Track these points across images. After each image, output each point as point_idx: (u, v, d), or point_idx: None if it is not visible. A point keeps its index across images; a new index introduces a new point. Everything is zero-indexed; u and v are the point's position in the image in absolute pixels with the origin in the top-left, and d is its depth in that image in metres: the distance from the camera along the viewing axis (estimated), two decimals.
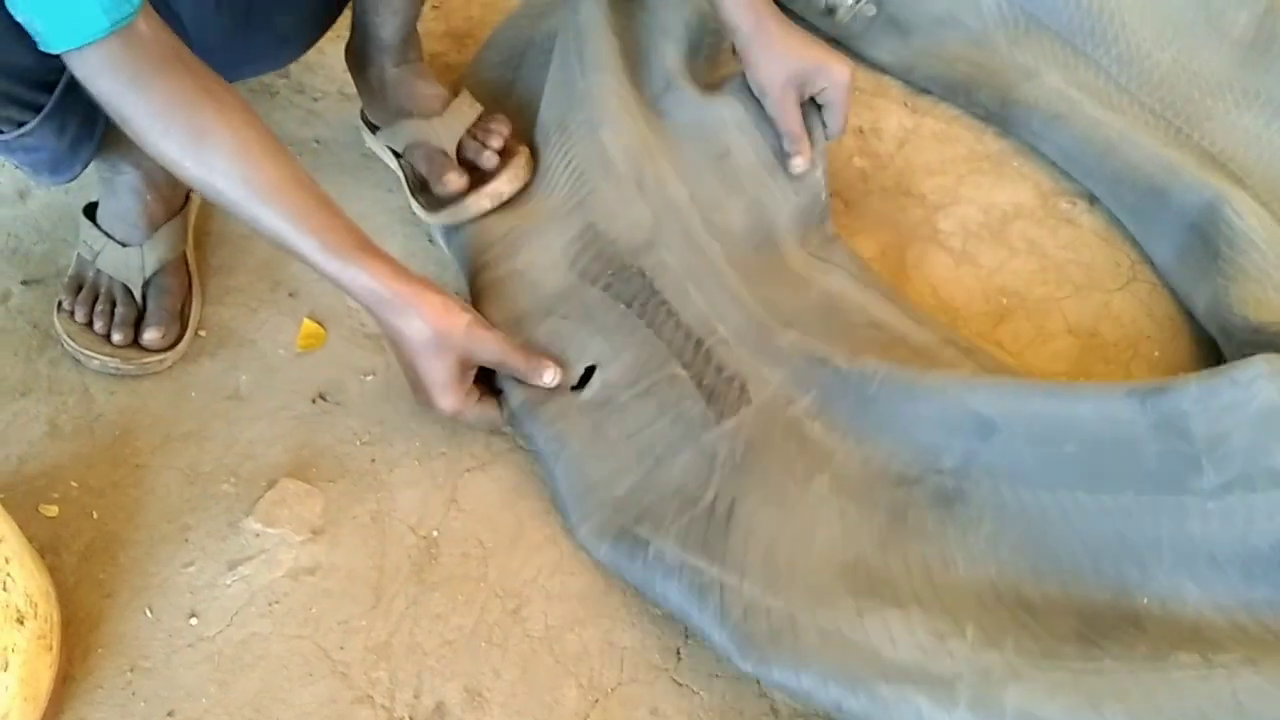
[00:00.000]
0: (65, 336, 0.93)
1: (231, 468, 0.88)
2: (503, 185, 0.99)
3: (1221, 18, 1.21)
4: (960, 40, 1.21)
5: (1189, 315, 1.04)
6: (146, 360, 0.92)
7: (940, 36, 1.21)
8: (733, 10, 0.95)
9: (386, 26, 0.99)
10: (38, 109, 0.80)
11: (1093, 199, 1.13)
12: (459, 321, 0.80)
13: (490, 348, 0.83)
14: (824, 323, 0.93)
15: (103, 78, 0.72)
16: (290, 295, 0.99)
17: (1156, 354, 1.01)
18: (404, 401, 0.91)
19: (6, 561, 0.69)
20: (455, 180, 0.98)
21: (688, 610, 0.77)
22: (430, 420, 0.90)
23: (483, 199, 0.99)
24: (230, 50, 0.94)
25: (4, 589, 0.68)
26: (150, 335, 0.92)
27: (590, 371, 0.89)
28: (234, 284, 1.00)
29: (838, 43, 1.23)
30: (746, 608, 0.76)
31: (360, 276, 0.78)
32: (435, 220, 1.00)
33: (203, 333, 0.96)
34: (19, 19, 0.69)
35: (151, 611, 0.79)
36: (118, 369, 0.92)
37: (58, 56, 0.75)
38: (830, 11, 1.21)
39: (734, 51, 0.99)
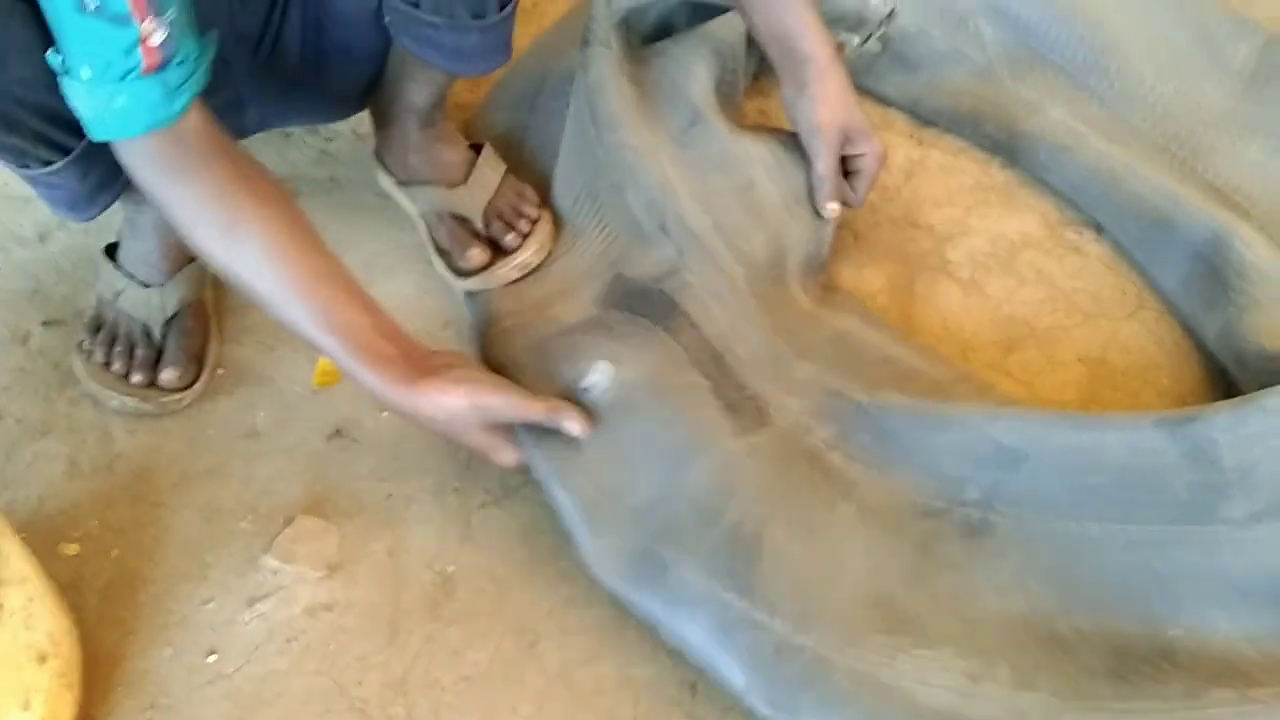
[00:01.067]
0: (85, 377, 0.94)
1: (249, 505, 0.89)
2: (530, 256, 1.01)
3: (1222, 51, 1.23)
4: (965, 74, 1.23)
5: (1197, 342, 1.04)
6: (165, 400, 0.93)
7: (945, 71, 1.23)
8: (811, 43, 0.97)
9: (420, 93, 1.00)
10: (66, 151, 0.82)
11: (1099, 228, 1.13)
12: (460, 404, 0.80)
13: (503, 410, 0.82)
14: (839, 357, 0.93)
15: (144, 168, 0.75)
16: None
17: (1165, 381, 1.02)
18: (419, 437, 0.92)
19: (30, 601, 0.70)
20: (478, 256, 1.00)
21: (711, 650, 0.75)
22: (445, 456, 0.91)
23: (510, 270, 1.00)
24: (280, 103, 0.96)
25: (27, 628, 0.69)
26: (168, 376, 0.93)
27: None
28: (251, 322, 1.01)
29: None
30: (778, 647, 0.74)
31: (370, 382, 0.79)
32: (460, 285, 1.02)
33: (220, 371, 0.97)
34: (68, 102, 0.71)
35: (171, 649, 0.80)
36: (136, 409, 0.93)
37: None
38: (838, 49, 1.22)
39: (790, 83, 0.99)
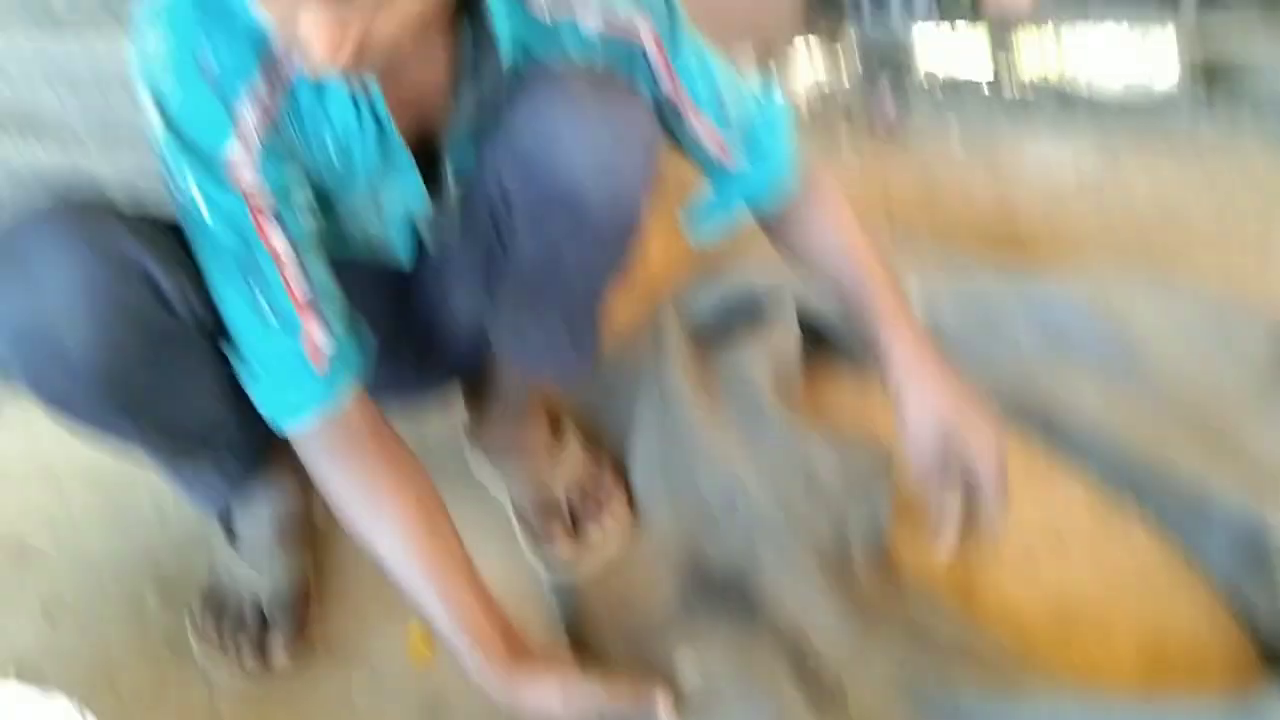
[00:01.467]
0: (196, 648, 1.01)
1: None
2: (611, 549, 1.09)
3: (1239, 339, 1.34)
4: (1006, 358, 1.34)
5: (1249, 616, 1.07)
6: (270, 671, 1.00)
7: (983, 358, 1.34)
8: (889, 330, 0.94)
9: (511, 383, 1.12)
10: (214, 449, 0.93)
11: (1142, 505, 1.19)
12: (552, 693, 0.85)
13: (592, 694, 0.86)
14: (908, 641, 0.98)
15: (307, 445, 0.87)
16: (403, 604, 1.07)
17: (1221, 655, 1.04)
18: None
19: None
20: (565, 548, 1.09)
21: None
22: None
23: (593, 563, 1.09)
24: (382, 386, 1.07)
25: None
26: (275, 648, 1.00)
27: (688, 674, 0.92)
28: (349, 592, 1.09)
29: None
30: None
31: (471, 660, 0.86)
32: (545, 573, 1.10)
33: (321, 642, 1.04)
34: (246, 388, 0.84)
35: None
36: (243, 679, 0.99)
37: (241, 410, 0.88)
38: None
39: (884, 370, 0.95)
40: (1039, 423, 1.28)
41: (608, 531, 1.10)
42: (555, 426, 1.19)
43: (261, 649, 1.01)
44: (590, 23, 0.86)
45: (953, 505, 0.92)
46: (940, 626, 1.01)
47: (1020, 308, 1.38)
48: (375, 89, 0.81)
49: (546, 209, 0.86)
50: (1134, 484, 1.20)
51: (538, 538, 1.11)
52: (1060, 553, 1.15)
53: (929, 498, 0.94)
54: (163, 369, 0.83)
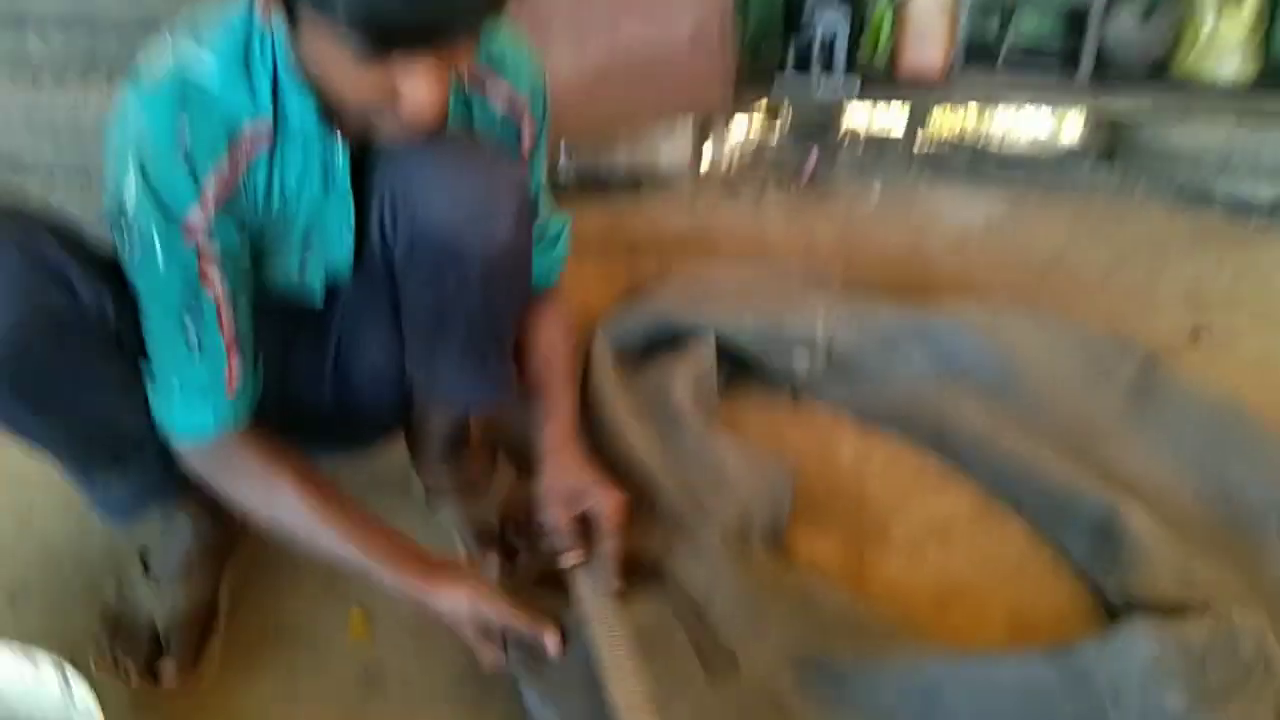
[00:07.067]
0: (92, 660, 1.04)
1: None
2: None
3: (1109, 368, 1.50)
4: (898, 383, 1.49)
5: (1100, 588, 1.21)
6: (158, 690, 1.04)
7: (881, 381, 1.49)
8: (549, 424, 1.14)
9: (442, 424, 1.23)
10: (124, 461, 1.02)
11: (1018, 507, 1.34)
12: (462, 600, 0.98)
13: (494, 613, 0.98)
14: (799, 612, 1.10)
15: (202, 458, 1.00)
16: (345, 589, 1.17)
17: (1079, 630, 1.17)
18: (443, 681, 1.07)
19: None
20: (492, 567, 1.15)
21: None
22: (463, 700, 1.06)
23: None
24: (310, 441, 1.15)
25: None
26: (165, 670, 1.05)
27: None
28: (302, 584, 1.18)
29: (801, 390, 1.52)
30: None
31: (394, 581, 0.99)
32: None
33: (272, 629, 1.13)
34: (154, 407, 0.96)
35: None
36: (129, 697, 1.03)
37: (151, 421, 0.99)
38: (790, 373, 1.50)
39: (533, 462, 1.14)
40: (929, 434, 1.43)
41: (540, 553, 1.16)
42: (490, 458, 1.30)
43: (151, 669, 1.05)
44: (498, 102, 1.03)
45: (572, 540, 1.10)
46: (829, 603, 1.13)
47: (915, 333, 1.54)
48: (344, 147, 0.94)
49: (426, 258, 0.98)
50: (1010, 487, 1.35)
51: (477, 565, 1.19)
52: (944, 544, 1.28)
53: (555, 539, 1.11)
54: (74, 373, 0.92)
